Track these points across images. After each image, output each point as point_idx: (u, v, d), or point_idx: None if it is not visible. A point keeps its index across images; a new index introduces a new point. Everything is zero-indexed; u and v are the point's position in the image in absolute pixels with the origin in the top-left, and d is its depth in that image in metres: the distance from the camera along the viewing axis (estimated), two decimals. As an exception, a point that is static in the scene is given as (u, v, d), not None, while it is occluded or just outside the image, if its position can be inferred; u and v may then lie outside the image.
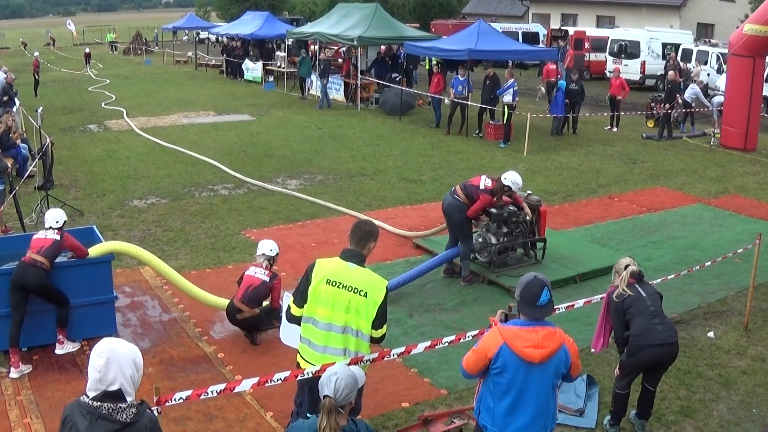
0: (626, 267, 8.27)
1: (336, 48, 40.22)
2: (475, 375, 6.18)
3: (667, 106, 26.83)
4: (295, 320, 6.91)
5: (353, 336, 6.62)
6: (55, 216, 10.15)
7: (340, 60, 38.28)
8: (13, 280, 9.56)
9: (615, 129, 28.33)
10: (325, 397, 5.02)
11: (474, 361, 6.07)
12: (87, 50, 55.45)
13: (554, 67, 30.92)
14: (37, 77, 37.77)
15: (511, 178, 12.68)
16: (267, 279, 10.56)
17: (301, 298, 6.79)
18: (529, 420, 5.94)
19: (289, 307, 6.98)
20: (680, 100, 27.55)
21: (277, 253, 10.91)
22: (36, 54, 40.92)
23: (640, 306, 8.04)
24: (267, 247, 10.80)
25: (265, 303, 10.56)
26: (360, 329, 6.59)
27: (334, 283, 6.62)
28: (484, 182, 12.57)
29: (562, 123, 27.24)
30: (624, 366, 8.26)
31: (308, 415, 5.33)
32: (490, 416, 6.06)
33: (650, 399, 8.44)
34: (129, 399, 4.31)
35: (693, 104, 27.97)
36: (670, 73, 29.22)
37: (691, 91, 28.34)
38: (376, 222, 15.44)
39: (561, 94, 26.62)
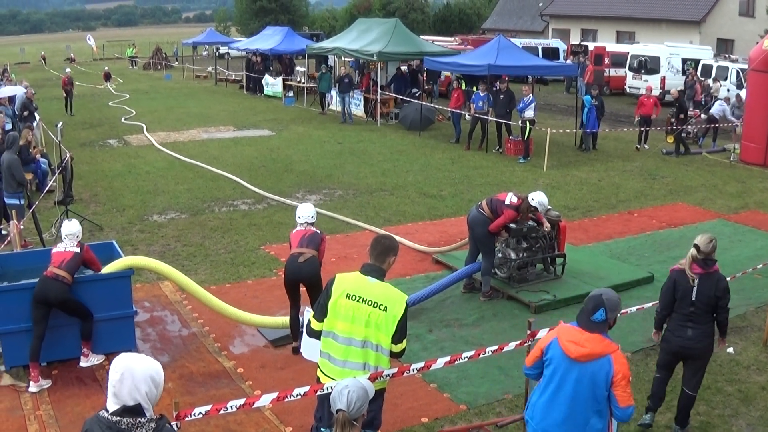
0: (693, 247, 8.37)
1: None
2: (531, 369, 6.55)
3: (674, 121, 26.84)
4: (315, 335, 6.91)
5: (373, 350, 6.60)
6: (72, 229, 10.22)
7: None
8: (36, 294, 9.61)
9: (647, 146, 27.77)
10: (338, 411, 5.02)
11: (532, 352, 6.56)
12: (106, 68, 55.46)
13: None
14: (66, 94, 36.84)
15: (538, 199, 12.77)
16: (318, 231, 10.81)
17: (321, 313, 6.79)
18: (561, 418, 6.21)
19: (309, 322, 6.99)
20: (702, 116, 27.50)
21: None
22: (68, 70, 40.73)
23: (684, 302, 8.32)
24: (308, 215, 10.82)
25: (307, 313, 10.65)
26: (380, 343, 6.58)
27: (353, 297, 6.63)
28: (510, 198, 12.63)
29: (592, 138, 27.13)
30: (660, 351, 8.81)
31: (322, 429, 5.33)
32: (531, 409, 6.45)
33: (686, 404, 8.62)
34: (148, 414, 4.30)
35: (719, 120, 27.87)
36: (672, 90, 29.23)
37: (719, 107, 28.23)
38: (396, 237, 15.48)
39: (593, 109, 26.39)
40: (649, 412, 8.84)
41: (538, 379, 6.53)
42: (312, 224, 10.82)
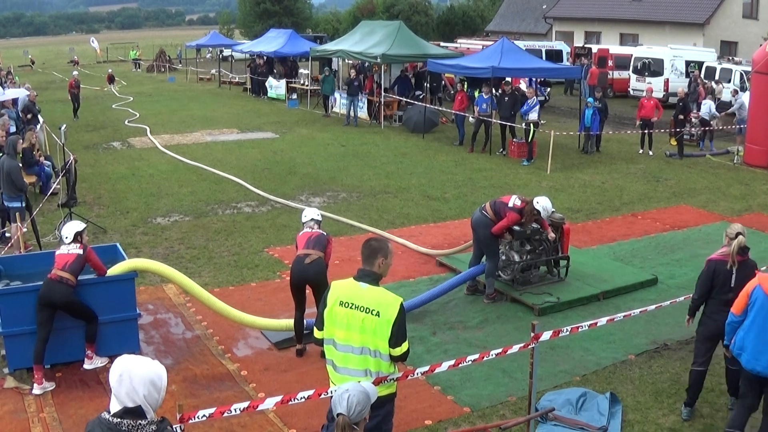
0: (737, 235, 8.79)
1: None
2: (740, 315, 7.93)
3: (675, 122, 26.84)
4: (319, 343, 6.89)
5: (371, 356, 6.51)
6: (69, 229, 10.28)
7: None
8: (41, 297, 9.62)
9: (651, 152, 27.18)
10: (338, 415, 5.01)
11: (739, 301, 7.96)
12: (110, 71, 55.22)
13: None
14: (70, 97, 36.25)
15: (542, 203, 12.77)
16: (324, 233, 10.89)
17: (320, 321, 6.74)
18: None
19: (313, 331, 6.98)
20: (695, 119, 27.55)
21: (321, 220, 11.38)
22: (75, 73, 40.58)
23: (723, 289, 8.78)
24: (314, 213, 11.15)
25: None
26: (378, 349, 6.48)
27: (346, 305, 6.55)
28: (514, 201, 12.61)
29: (596, 140, 27.10)
30: (697, 335, 9.30)
31: (325, 432, 5.32)
32: (740, 343, 7.92)
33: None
34: (149, 416, 4.28)
35: (711, 121, 27.87)
36: (680, 89, 29.18)
37: (705, 107, 28.23)
38: (399, 239, 15.48)
39: (597, 112, 26.32)
40: (686, 407, 9.16)
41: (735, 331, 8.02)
42: (319, 224, 10.88)
